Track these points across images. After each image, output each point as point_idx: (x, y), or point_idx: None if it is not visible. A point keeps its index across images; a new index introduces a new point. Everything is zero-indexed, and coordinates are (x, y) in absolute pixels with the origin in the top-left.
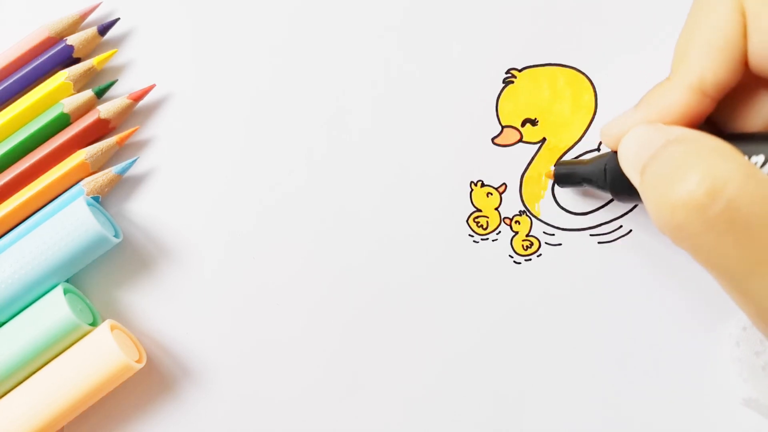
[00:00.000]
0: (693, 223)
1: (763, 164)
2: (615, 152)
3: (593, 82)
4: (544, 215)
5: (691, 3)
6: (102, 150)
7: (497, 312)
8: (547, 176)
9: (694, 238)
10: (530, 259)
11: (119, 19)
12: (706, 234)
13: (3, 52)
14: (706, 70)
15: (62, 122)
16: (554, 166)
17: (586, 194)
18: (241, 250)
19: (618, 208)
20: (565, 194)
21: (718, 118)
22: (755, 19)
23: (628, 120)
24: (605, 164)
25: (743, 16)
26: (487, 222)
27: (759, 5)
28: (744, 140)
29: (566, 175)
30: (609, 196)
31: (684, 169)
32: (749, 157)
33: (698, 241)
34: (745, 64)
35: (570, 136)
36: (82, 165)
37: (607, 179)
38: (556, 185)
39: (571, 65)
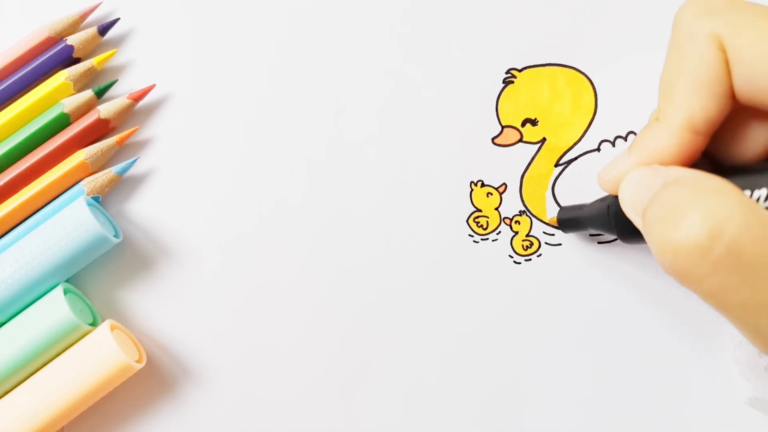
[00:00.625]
0: (697, 267)
1: (767, 198)
2: (615, 197)
3: (593, 82)
4: (543, 215)
5: (668, 41)
6: (102, 150)
7: (497, 312)
8: (551, 223)
9: (700, 281)
10: (530, 259)
11: (119, 19)
12: (712, 276)
13: (3, 52)
14: (695, 109)
15: (62, 122)
16: (557, 213)
17: (586, 194)
18: (241, 250)
19: None
20: (565, 194)
21: (713, 151)
22: (735, 50)
23: (623, 164)
24: (608, 209)
25: (722, 49)
26: (487, 222)
27: (737, 37)
28: (743, 173)
29: (569, 221)
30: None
31: (683, 212)
32: (751, 192)
33: (704, 284)
34: (732, 96)
35: (570, 136)
36: (82, 165)
37: (613, 224)
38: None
39: (571, 65)
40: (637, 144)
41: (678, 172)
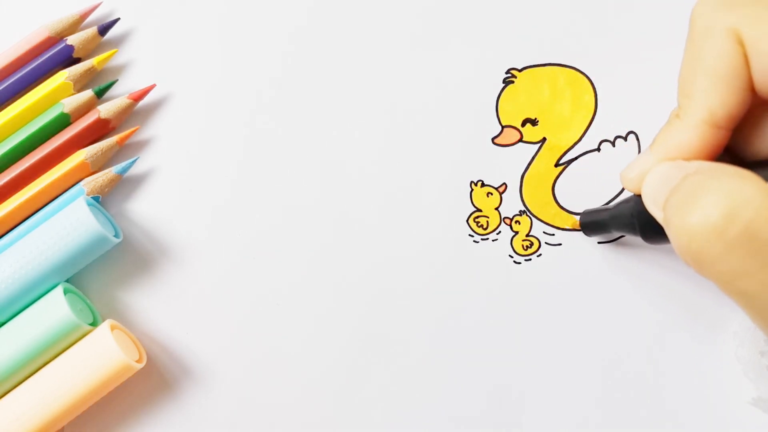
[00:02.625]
0: (712, 248)
1: None
2: (638, 196)
3: (593, 82)
4: (543, 215)
5: (685, 37)
6: (102, 150)
7: (497, 312)
8: (573, 226)
9: (716, 264)
10: (530, 259)
11: (119, 19)
12: (727, 258)
13: (3, 52)
14: (715, 104)
15: (62, 122)
16: (579, 216)
17: (586, 194)
18: (242, 250)
19: None
20: (565, 194)
21: (735, 146)
22: (754, 43)
23: (646, 161)
24: (631, 210)
25: (740, 43)
26: (488, 222)
27: (755, 29)
28: (765, 167)
29: (592, 224)
30: (610, 196)
31: (700, 195)
32: None
33: (720, 268)
34: (752, 90)
35: (570, 136)
36: (82, 165)
37: (636, 224)
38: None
39: (571, 65)
40: (658, 141)
41: (699, 164)
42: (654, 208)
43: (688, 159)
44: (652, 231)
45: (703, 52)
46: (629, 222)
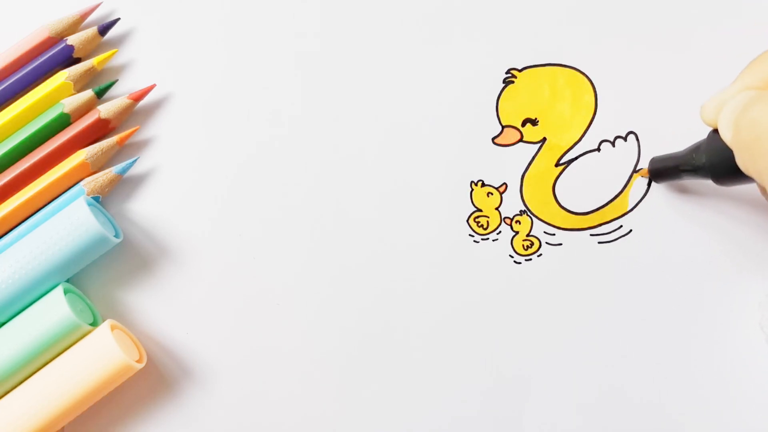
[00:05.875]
0: None
1: None
2: (713, 132)
3: (593, 82)
4: (544, 215)
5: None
6: (102, 150)
7: (497, 312)
8: (642, 175)
9: None
10: (530, 259)
11: (119, 19)
12: None
13: (3, 52)
14: None
15: (62, 122)
16: (648, 163)
17: (586, 194)
18: (242, 250)
19: (618, 208)
20: (565, 194)
21: None
22: None
23: (726, 92)
24: (704, 147)
25: None
26: (488, 222)
27: None
28: None
29: (662, 170)
30: (610, 196)
31: (766, 95)
32: None
33: None
34: None
35: (570, 136)
36: (82, 165)
37: (707, 161)
38: (652, 181)
39: (571, 65)
40: (742, 74)
41: None
42: (728, 131)
43: None
44: (723, 169)
45: None
46: (699, 160)
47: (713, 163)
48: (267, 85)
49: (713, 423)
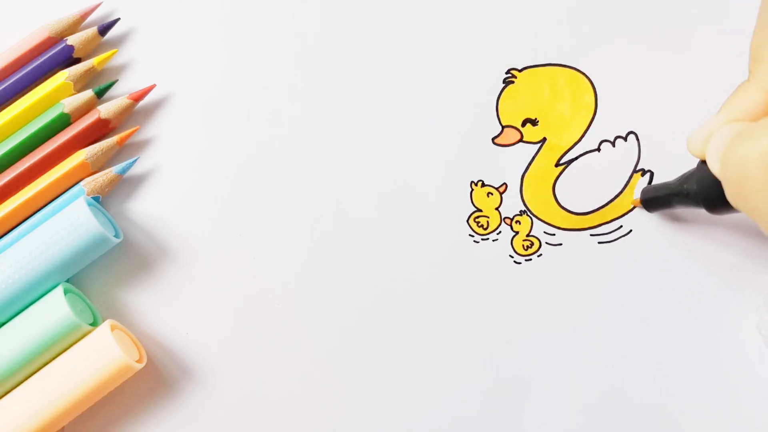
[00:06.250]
0: (758, 172)
1: None
2: (702, 163)
3: (593, 82)
4: (544, 215)
5: (759, 3)
6: (102, 150)
7: (498, 312)
8: (635, 204)
9: (761, 191)
10: (530, 259)
11: (119, 19)
12: None
13: (3, 52)
14: None
15: (62, 122)
16: (641, 192)
17: (586, 194)
18: (242, 250)
19: (618, 208)
20: (565, 194)
21: None
22: None
23: (713, 123)
24: (695, 177)
25: None
26: (488, 222)
27: None
28: None
29: (654, 199)
30: (610, 196)
31: (755, 128)
32: None
33: (764, 195)
34: None
35: (570, 136)
36: (82, 165)
37: (698, 191)
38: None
39: (571, 65)
40: (727, 104)
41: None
42: (715, 163)
43: (755, 120)
44: (714, 198)
45: None
46: (691, 191)
47: (705, 194)
48: (267, 85)
49: (713, 423)
